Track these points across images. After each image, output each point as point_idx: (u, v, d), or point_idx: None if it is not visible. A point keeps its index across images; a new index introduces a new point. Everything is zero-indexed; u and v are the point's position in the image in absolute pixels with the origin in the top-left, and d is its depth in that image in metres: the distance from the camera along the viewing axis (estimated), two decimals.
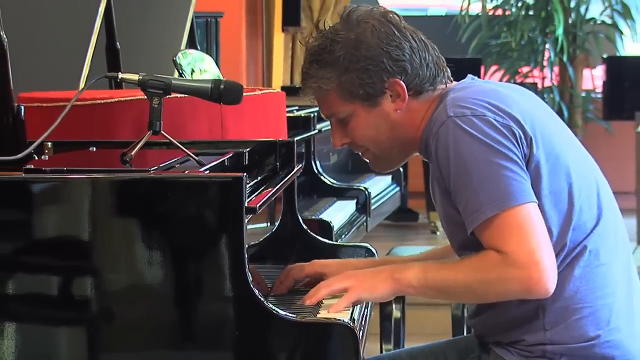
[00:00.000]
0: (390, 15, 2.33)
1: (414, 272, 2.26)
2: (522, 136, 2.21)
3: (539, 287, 2.15)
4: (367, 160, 2.46)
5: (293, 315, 2.13)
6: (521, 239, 2.15)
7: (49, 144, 2.45)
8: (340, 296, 2.27)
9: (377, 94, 2.31)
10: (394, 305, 3.81)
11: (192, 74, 3.22)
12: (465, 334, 3.73)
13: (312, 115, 4.03)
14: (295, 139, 3.03)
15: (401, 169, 5.08)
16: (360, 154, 2.44)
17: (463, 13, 8.79)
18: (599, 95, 8.38)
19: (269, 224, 2.73)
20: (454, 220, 2.28)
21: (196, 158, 2.38)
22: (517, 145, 2.20)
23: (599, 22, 8.80)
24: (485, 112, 2.21)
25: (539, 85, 8.61)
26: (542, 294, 2.17)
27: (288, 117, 3.44)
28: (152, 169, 2.22)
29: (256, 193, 2.40)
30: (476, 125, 2.19)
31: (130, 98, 2.80)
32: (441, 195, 2.30)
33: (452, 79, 2.38)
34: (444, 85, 2.35)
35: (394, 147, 2.38)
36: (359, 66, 2.29)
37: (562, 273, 2.22)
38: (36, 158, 2.40)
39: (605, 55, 8.12)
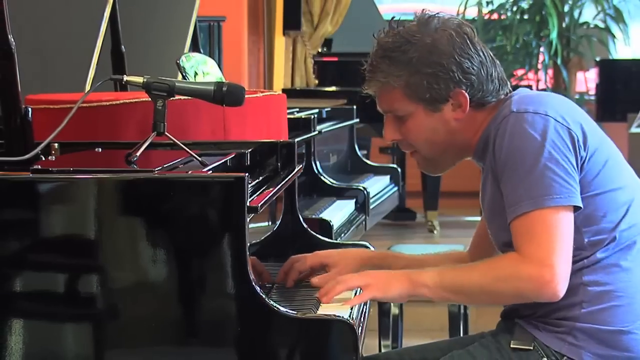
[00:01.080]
0: (466, 27, 2.36)
1: (430, 274, 2.28)
2: (581, 139, 2.25)
3: (548, 289, 2.18)
4: (417, 162, 2.46)
5: (294, 311, 2.13)
6: (543, 240, 2.18)
7: (56, 144, 2.45)
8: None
9: (441, 100, 2.33)
10: (392, 302, 3.81)
11: (195, 76, 3.22)
12: (461, 331, 3.74)
13: (312, 117, 4.02)
14: (296, 140, 3.03)
15: (399, 170, 5.08)
16: (408, 153, 2.46)
17: (460, 17, 8.76)
18: (592, 98, 8.39)
19: (270, 222, 2.73)
20: (501, 211, 2.28)
21: (199, 159, 2.38)
22: (573, 148, 2.24)
23: (592, 26, 8.81)
24: (548, 111, 2.25)
25: (534, 88, 8.61)
26: (550, 296, 2.19)
27: (289, 119, 3.44)
28: (157, 169, 2.22)
29: (258, 193, 2.40)
30: (535, 123, 2.23)
31: (135, 100, 2.80)
32: (494, 186, 2.31)
33: (511, 90, 2.41)
34: (505, 96, 2.38)
35: (445, 152, 2.40)
36: (430, 71, 2.31)
37: (610, 261, 2.25)
38: (43, 158, 2.40)
39: (598, 59, 8.14)
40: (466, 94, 2.33)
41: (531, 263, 2.18)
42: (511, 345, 2.30)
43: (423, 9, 2.39)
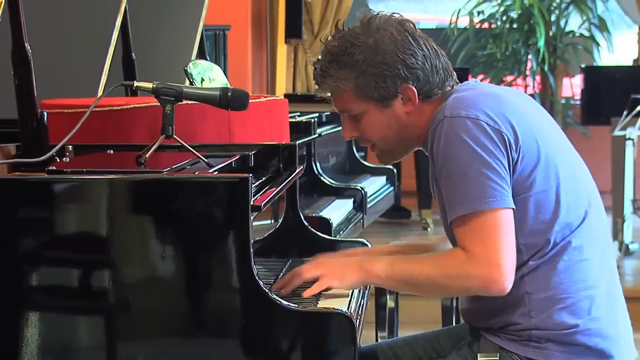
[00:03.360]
0: (407, 24, 2.33)
1: (382, 264, 2.27)
2: (512, 141, 2.20)
3: (496, 286, 2.17)
4: (375, 153, 2.45)
5: (295, 305, 2.13)
6: (487, 240, 2.16)
7: (70, 147, 2.45)
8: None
9: (390, 97, 2.31)
10: (388, 296, 3.80)
11: (201, 82, 3.21)
12: (454, 322, 3.73)
13: (312, 120, 4.02)
14: (297, 142, 3.03)
15: (395, 170, 5.07)
16: (367, 147, 2.45)
17: (452, 26, 8.78)
18: (578, 102, 8.38)
19: (272, 220, 2.73)
20: (444, 208, 2.28)
21: (205, 160, 2.38)
22: (505, 151, 2.19)
23: (577, 34, 8.80)
24: (479, 115, 2.20)
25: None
26: (497, 292, 2.18)
27: (290, 122, 3.44)
28: (165, 170, 2.21)
29: (261, 192, 2.39)
30: (468, 128, 2.19)
31: (144, 105, 2.80)
32: (436, 186, 2.30)
33: (458, 81, 2.38)
34: (450, 87, 2.35)
35: (400, 143, 2.39)
36: (376, 71, 2.29)
37: (547, 265, 2.23)
38: (58, 160, 2.39)
39: (583, 65, 8.12)
40: (413, 88, 2.30)
41: (478, 262, 2.16)
42: (478, 358, 2.29)
43: (364, 11, 2.36)
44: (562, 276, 2.24)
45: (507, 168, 2.19)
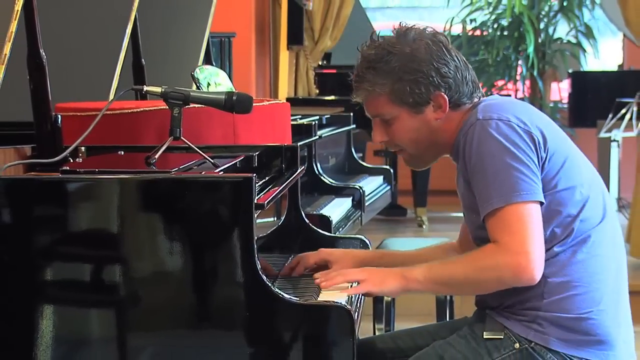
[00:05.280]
0: (440, 36, 2.37)
1: (421, 269, 2.28)
2: (541, 142, 2.24)
3: (526, 274, 2.18)
4: (403, 158, 2.46)
5: (296, 298, 2.13)
6: (516, 231, 2.18)
7: (83, 148, 2.45)
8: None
9: (423, 103, 2.33)
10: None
11: (208, 87, 3.21)
12: (448, 315, 3.73)
13: (313, 123, 4.02)
14: (299, 144, 3.03)
15: (392, 170, 5.07)
16: (395, 152, 2.45)
17: (446, 33, 8.73)
18: (565, 106, 8.39)
19: (275, 218, 2.73)
20: (473, 207, 2.29)
21: (212, 161, 2.38)
22: (534, 149, 2.23)
23: (565, 41, 8.81)
24: (510, 117, 2.25)
25: (513, 97, 8.61)
26: (527, 281, 2.19)
27: (292, 125, 3.43)
28: (173, 170, 2.22)
29: (264, 191, 2.39)
30: (500, 128, 2.23)
31: (154, 108, 2.80)
32: (465, 186, 2.32)
33: (484, 95, 2.42)
34: (478, 99, 2.38)
35: (429, 149, 2.40)
36: (412, 77, 2.31)
37: (567, 254, 2.25)
38: (71, 161, 2.40)
39: (570, 71, 8.13)
40: (445, 96, 2.33)
41: (508, 252, 2.18)
42: (484, 336, 2.29)
43: (400, 22, 2.39)
44: (580, 266, 2.26)
45: (537, 165, 2.23)
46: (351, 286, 2.32)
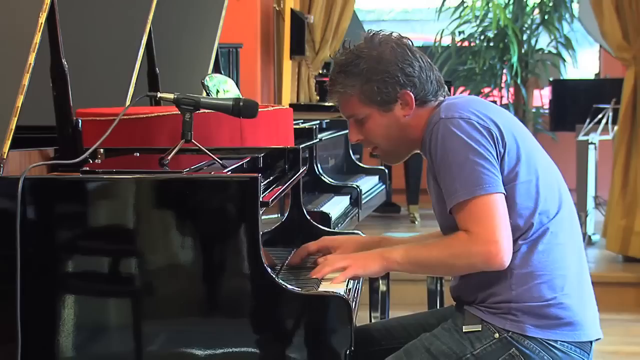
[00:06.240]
0: (405, 39, 2.37)
1: (399, 251, 2.29)
2: (499, 137, 2.25)
3: (496, 261, 2.19)
4: (379, 155, 2.46)
5: (298, 288, 2.13)
6: (485, 221, 2.19)
7: (101, 150, 2.45)
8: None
9: (391, 101, 2.33)
10: (380, 281, 3.80)
11: (217, 93, 3.21)
12: (438, 304, 3.73)
13: (314, 127, 4.01)
14: (301, 146, 3.02)
15: (386, 170, 5.06)
16: (370, 149, 2.45)
17: (436, 44, 8.80)
18: (547, 111, 8.39)
19: (279, 215, 2.73)
20: (440, 200, 2.30)
21: (220, 162, 2.38)
22: (493, 144, 2.23)
23: (546, 51, 8.83)
24: (470, 116, 2.25)
25: (498, 103, 8.61)
26: (498, 266, 2.21)
27: (295, 129, 3.43)
28: (185, 170, 2.22)
29: (269, 190, 2.39)
30: (461, 126, 2.23)
31: (167, 113, 2.80)
32: (433, 182, 2.32)
33: (449, 93, 2.42)
34: (443, 98, 2.38)
35: (400, 144, 2.40)
36: (378, 78, 2.31)
37: (529, 246, 2.26)
38: (91, 162, 2.39)
39: (551, 79, 8.13)
40: (411, 93, 2.33)
41: (479, 241, 2.19)
42: (464, 330, 2.30)
43: (369, 30, 2.39)
44: (541, 256, 2.26)
45: (496, 158, 2.24)
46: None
